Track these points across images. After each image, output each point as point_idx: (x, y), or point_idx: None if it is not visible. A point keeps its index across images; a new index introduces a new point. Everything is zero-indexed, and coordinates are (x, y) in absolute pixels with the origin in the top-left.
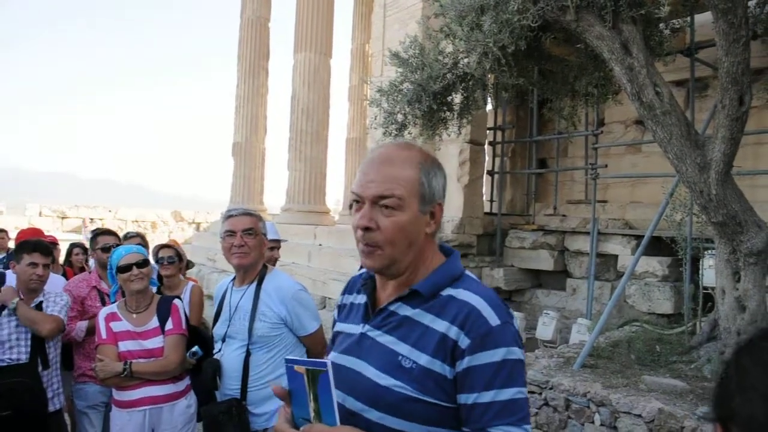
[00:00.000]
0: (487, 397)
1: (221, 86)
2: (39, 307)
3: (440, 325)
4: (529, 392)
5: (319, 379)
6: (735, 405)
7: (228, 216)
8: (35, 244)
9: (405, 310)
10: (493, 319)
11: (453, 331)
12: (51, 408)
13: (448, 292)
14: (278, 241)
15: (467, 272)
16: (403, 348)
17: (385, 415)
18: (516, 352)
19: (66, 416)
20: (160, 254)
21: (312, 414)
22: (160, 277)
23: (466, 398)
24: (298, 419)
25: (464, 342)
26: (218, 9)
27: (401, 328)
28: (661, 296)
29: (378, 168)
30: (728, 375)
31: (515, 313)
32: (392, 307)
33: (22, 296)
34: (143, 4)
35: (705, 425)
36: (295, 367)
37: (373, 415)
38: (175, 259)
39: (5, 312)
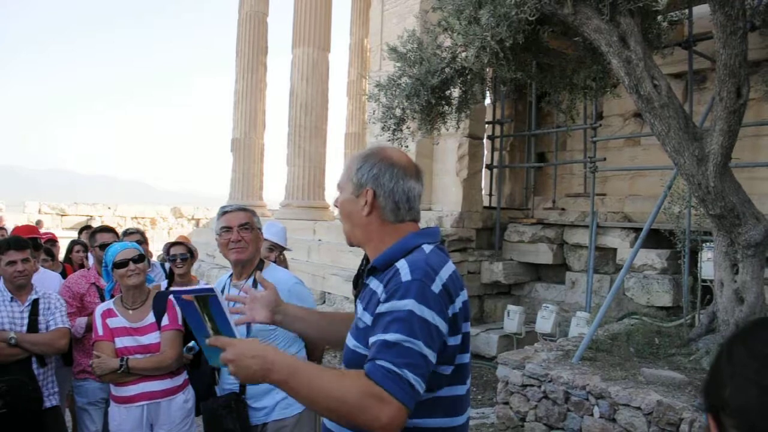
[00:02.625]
0: (381, 336)
1: (221, 83)
2: (35, 304)
3: (379, 289)
4: (528, 385)
5: (210, 302)
6: (727, 395)
7: (223, 212)
8: (7, 242)
9: (372, 282)
10: (406, 276)
11: (381, 291)
12: (48, 404)
13: (397, 262)
14: (280, 246)
15: (425, 245)
16: (360, 311)
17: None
18: (416, 307)
19: (68, 412)
20: (172, 251)
21: (211, 332)
22: (171, 274)
23: (371, 339)
24: (201, 341)
25: (383, 297)
26: (218, 6)
27: (364, 296)
28: (660, 289)
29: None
30: (720, 365)
31: (515, 307)
32: (366, 281)
33: (13, 295)
34: (143, 7)
35: (703, 416)
36: (183, 296)
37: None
38: (187, 255)
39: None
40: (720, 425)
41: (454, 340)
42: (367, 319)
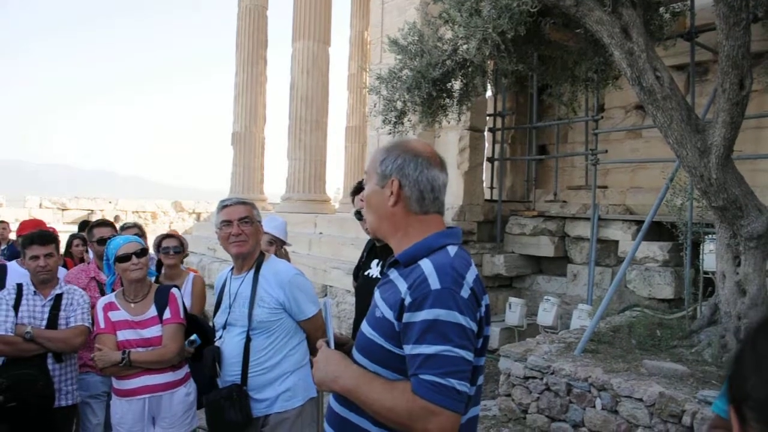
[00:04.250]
0: (418, 349)
1: (221, 79)
2: (58, 299)
3: (402, 287)
4: (530, 377)
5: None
6: (749, 387)
7: (223, 206)
8: (31, 237)
9: (392, 274)
10: (435, 284)
11: (405, 292)
12: (64, 402)
13: (420, 261)
14: (280, 240)
15: (450, 247)
16: (379, 301)
17: (361, 356)
18: (450, 315)
19: None
20: (164, 244)
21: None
22: (159, 267)
23: (405, 348)
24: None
25: (408, 300)
26: (216, 1)
27: (384, 287)
28: (662, 281)
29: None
30: (743, 357)
31: (517, 300)
32: (387, 271)
33: (36, 289)
34: (142, 2)
35: (705, 408)
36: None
37: (356, 356)
38: (180, 248)
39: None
40: (742, 418)
41: (476, 344)
42: (386, 311)
